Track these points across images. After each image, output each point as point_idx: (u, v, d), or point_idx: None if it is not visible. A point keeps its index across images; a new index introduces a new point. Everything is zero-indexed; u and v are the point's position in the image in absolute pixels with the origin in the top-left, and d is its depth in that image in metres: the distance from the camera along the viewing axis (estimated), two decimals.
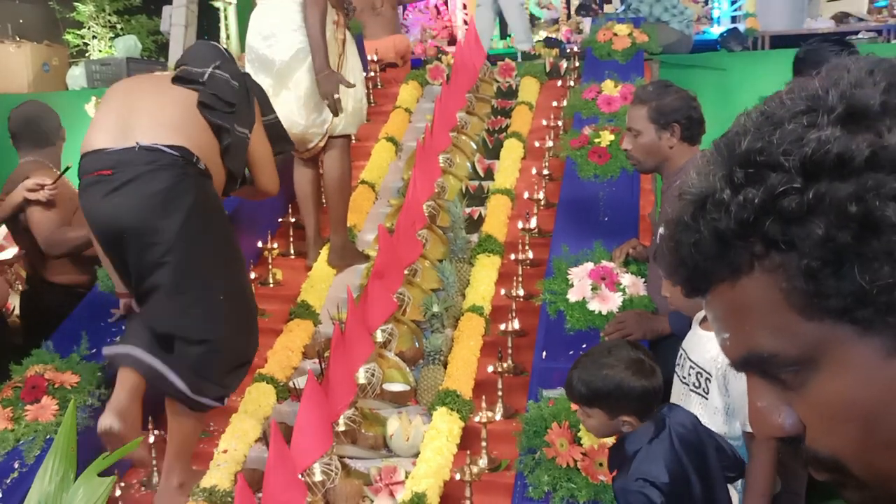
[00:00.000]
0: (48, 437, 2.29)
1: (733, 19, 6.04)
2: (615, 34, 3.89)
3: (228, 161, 2.33)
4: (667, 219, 0.56)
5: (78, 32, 6.34)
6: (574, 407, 1.82)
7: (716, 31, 5.81)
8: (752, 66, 4.32)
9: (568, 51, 4.42)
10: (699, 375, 1.87)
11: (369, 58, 4.47)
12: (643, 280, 2.50)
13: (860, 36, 4.79)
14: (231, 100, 2.29)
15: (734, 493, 1.77)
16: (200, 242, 2.16)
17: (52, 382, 2.40)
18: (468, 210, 3.42)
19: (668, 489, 1.51)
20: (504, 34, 7.05)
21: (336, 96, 2.99)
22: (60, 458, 1.87)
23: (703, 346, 1.88)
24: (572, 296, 2.49)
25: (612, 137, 3.17)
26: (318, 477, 2.20)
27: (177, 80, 2.28)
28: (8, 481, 2.21)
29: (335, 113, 3.04)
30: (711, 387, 1.83)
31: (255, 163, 2.49)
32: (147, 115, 2.21)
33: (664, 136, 2.36)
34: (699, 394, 1.86)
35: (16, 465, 2.24)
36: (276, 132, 2.57)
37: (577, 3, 5.63)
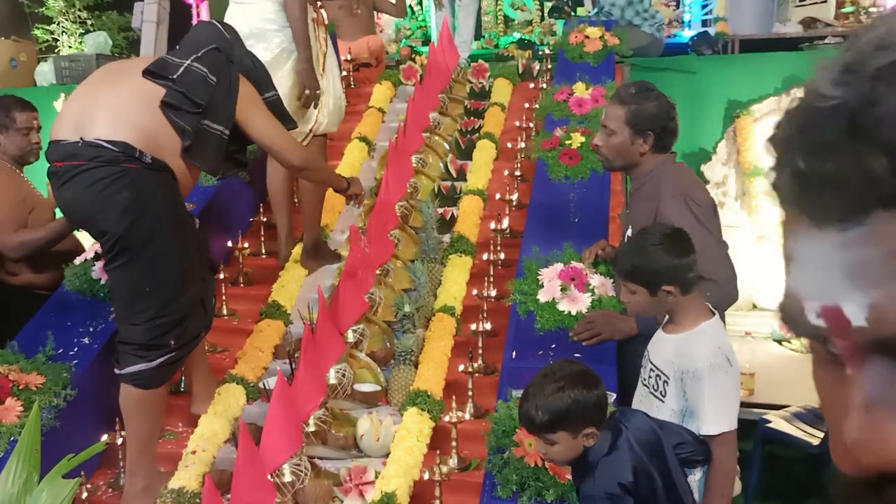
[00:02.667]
0: (12, 438, 2.25)
1: (704, 23, 6.11)
2: (587, 37, 3.92)
3: (195, 159, 2.32)
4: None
5: (47, 28, 6.24)
6: (532, 441, 1.81)
7: (687, 34, 5.87)
8: (722, 70, 4.38)
9: (540, 53, 4.44)
10: (658, 378, 1.89)
11: (343, 58, 4.46)
12: (612, 281, 2.53)
13: (827, 41, 4.87)
14: (200, 99, 2.27)
15: (694, 483, 1.80)
16: (147, 236, 2.19)
17: (17, 383, 2.36)
18: (440, 210, 3.43)
19: (635, 494, 1.54)
20: (478, 35, 7.07)
21: (318, 91, 3.02)
22: (24, 460, 1.85)
23: (664, 348, 1.91)
24: (542, 296, 2.51)
25: (582, 139, 3.20)
26: (287, 478, 2.19)
27: (147, 73, 2.26)
28: None
29: (309, 106, 3.07)
30: (668, 389, 1.85)
31: (264, 144, 2.49)
32: (103, 109, 2.22)
33: (637, 141, 2.37)
34: (656, 396, 1.88)
35: None
36: (276, 109, 2.54)
37: (549, 6, 5.65)
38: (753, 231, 4.25)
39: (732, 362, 1.82)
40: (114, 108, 2.22)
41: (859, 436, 0.37)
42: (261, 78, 2.52)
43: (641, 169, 2.40)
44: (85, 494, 2.20)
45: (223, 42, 2.46)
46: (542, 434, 1.62)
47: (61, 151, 2.22)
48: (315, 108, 3.11)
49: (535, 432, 1.64)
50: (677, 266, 1.83)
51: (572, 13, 5.29)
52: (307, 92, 3.04)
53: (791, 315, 0.40)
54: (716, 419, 1.78)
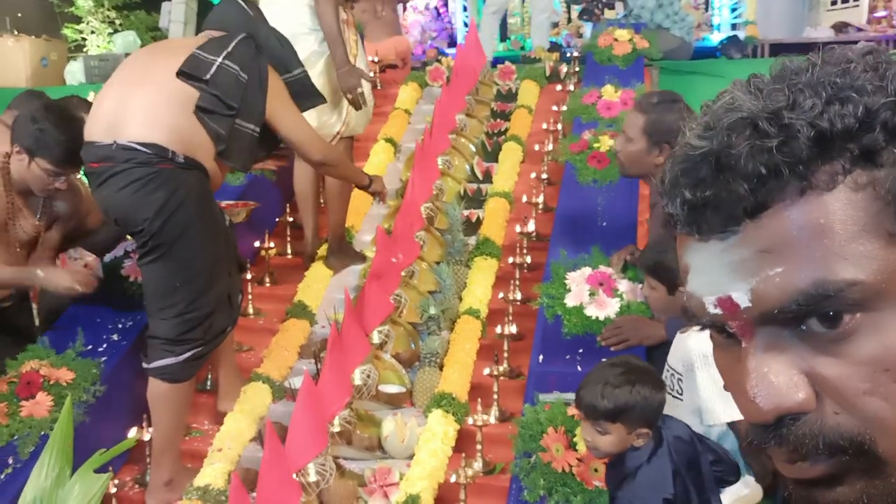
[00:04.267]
0: (43, 433, 2.28)
1: (733, 27, 6.06)
2: (616, 39, 3.90)
3: (229, 159, 2.35)
4: (693, 140, 0.50)
5: (76, 27, 6.32)
6: (581, 420, 1.77)
7: (716, 38, 5.83)
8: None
9: (568, 55, 4.42)
10: (672, 377, 1.88)
11: (369, 59, 4.47)
12: (641, 286, 2.51)
13: (859, 45, 4.82)
14: (233, 101, 2.29)
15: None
16: (179, 233, 2.23)
17: (48, 378, 2.39)
18: (466, 212, 3.42)
19: None
20: (504, 37, 7.06)
21: (359, 90, 3.02)
22: (56, 455, 1.87)
23: (677, 347, 1.91)
24: (570, 300, 2.49)
25: (611, 142, 3.18)
26: (312, 477, 2.19)
27: (182, 74, 2.27)
28: (2, 476, 2.20)
29: (358, 107, 3.06)
30: (684, 387, 1.84)
31: (287, 136, 2.49)
32: (135, 110, 2.24)
33: (653, 152, 2.39)
34: (673, 395, 1.88)
35: (10, 461, 2.23)
36: (301, 87, 2.54)
37: (579, 8, 5.62)
38: None
39: None
40: (145, 109, 2.24)
41: (757, 390, 0.48)
42: (288, 56, 2.52)
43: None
44: (113, 489, 2.22)
45: (250, 25, 2.46)
46: (599, 421, 1.58)
47: (96, 153, 2.26)
48: (364, 104, 3.10)
49: (592, 418, 1.59)
50: None
51: (602, 16, 5.26)
52: (349, 96, 3.03)
53: (694, 311, 0.52)
54: (724, 407, 1.77)
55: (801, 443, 0.48)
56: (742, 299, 0.48)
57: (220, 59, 2.31)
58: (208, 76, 2.28)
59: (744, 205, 0.48)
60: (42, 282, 2.50)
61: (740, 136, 0.48)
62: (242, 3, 2.53)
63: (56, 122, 2.37)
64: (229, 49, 2.34)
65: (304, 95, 2.56)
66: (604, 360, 1.68)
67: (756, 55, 5.12)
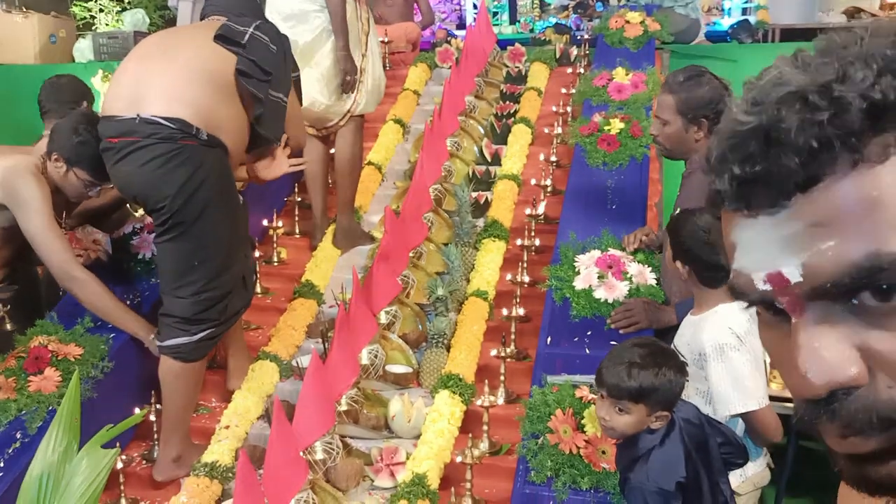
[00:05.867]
0: (50, 408, 2.28)
1: (744, 11, 5.99)
2: (627, 21, 3.86)
3: (263, 128, 2.35)
4: (740, 114, 0.50)
5: (85, 5, 6.28)
6: (599, 398, 1.75)
7: (726, 22, 5.76)
8: (763, 58, 4.28)
9: (578, 37, 4.38)
10: None
11: (379, 39, 4.44)
12: (650, 269, 2.50)
13: None
14: (268, 67, 2.29)
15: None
16: (199, 212, 2.21)
17: (56, 354, 2.39)
18: (474, 194, 3.41)
19: (684, 489, 1.51)
20: (514, 19, 7.00)
21: (356, 76, 3.06)
22: (64, 430, 1.87)
23: (684, 331, 1.91)
24: (578, 283, 2.48)
25: (621, 125, 3.16)
26: (319, 455, 2.20)
27: (219, 38, 2.26)
28: (10, 451, 2.21)
29: (348, 90, 3.09)
30: (689, 371, 1.84)
31: (288, 119, 2.49)
32: (159, 85, 2.23)
33: (691, 129, 2.38)
34: None
35: (17, 436, 2.24)
36: (297, 88, 2.57)
37: (574, 3, 5.56)
38: None
39: (746, 341, 1.81)
40: (168, 85, 2.21)
41: (809, 364, 0.48)
42: (290, 55, 2.52)
43: (698, 154, 2.39)
44: (120, 465, 2.23)
45: (257, 12, 2.47)
46: (621, 400, 1.56)
47: (117, 128, 2.22)
48: (352, 91, 3.12)
49: (614, 396, 1.57)
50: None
51: (595, 10, 5.21)
52: (347, 78, 3.06)
53: (742, 288, 0.52)
54: (739, 397, 1.78)
55: (854, 418, 0.48)
56: (793, 274, 0.48)
57: (251, 29, 2.31)
58: (244, 41, 2.27)
59: (795, 179, 0.47)
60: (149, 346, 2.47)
61: (790, 110, 0.47)
62: None
63: (96, 135, 2.34)
64: (258, 22, 2.35)
65: (297, 93, 2.58)
66: (629, 339, 1.67)
67: (766, 40, 5.07)
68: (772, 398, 1.92)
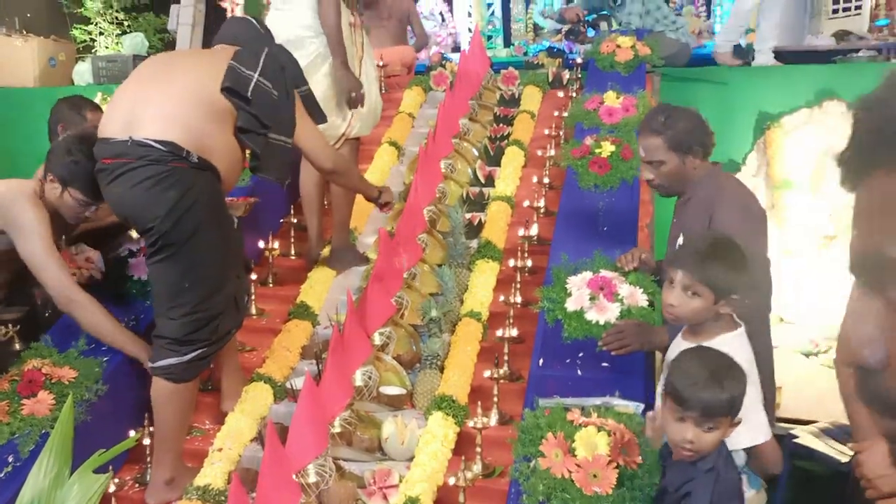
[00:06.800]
0: (43, 431, 2.28)
1: None
2: (618, 46, 3.91)
3: (264, 172, 2.42)
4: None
5: (85, 28, 6.34)
6: (585, 424, 1.78)
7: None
8: (753, 81, 4.34)
9: (570, 61, 4.44)
10: None
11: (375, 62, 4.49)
12: (642, 290, 2.51)
13: (860, 54, 4.80)
14: (268, 121, 2.36)
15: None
16: (190, 233, 2.24)
17: (50, 377, 2.40)
18: (468, 216, 3.43)
19: None
20: (508, 42, 7.08)
21: (361, 91, 3.10)
22: (56, 455, 1.88)
23: (671, 351, 1.92)
24: (570, 305, 2.50)
25: (612, 148, 3.19)
26: (312, 478, 2.20)
27: (226, 90, 2.30)
28: (1, 475, 2.21)
29: (355, 105, 3.13)
30: None
31: (301, 145, 2.54)
32: (153, 108, 2.27)
33: (688, 160, 2.43)
34: None
35: (10, 459, 2.24)
36: (309, 103, 2.60)
37: (566, 30, 5.64)
38: (781, 244, 4.20)
39: (752, 376, 1.81)
40: (162, 108, 2.26)
41: (870, 343, 0.50)
42: (296, 73, 2.56)
43: (694, 182, 2.44)
44: (112, 489, 2.23)
45: (262, 42, 2.51)
46: (716, 417, 1.56)
47: (110, 149, 2.26)
48: (361, 106, 3.15)
49: (708, 414, 1.56)
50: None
51: (587, 36, 5.28)
52: (353, 94, 3.09)
53: (869, 261, 0.53)
54: (746, 431, 1.77)
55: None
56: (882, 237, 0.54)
57: (255, 76, 2.35)
58: (248, 94, 2.32)
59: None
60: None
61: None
62: (253, 21, 2.58)
63: (89, 155, 2.36)
64: (261, 66, 2.38)
65: (311, 110, 2.60)
66: (690, 351, 1.70)
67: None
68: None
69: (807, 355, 3.94)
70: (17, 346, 2.58)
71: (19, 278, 2.59)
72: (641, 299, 2.50)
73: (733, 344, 1.85)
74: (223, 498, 2.28)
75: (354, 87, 3.09)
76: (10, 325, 2.59)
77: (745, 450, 1.86)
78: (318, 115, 2.64)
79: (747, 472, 1.95)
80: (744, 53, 4.98)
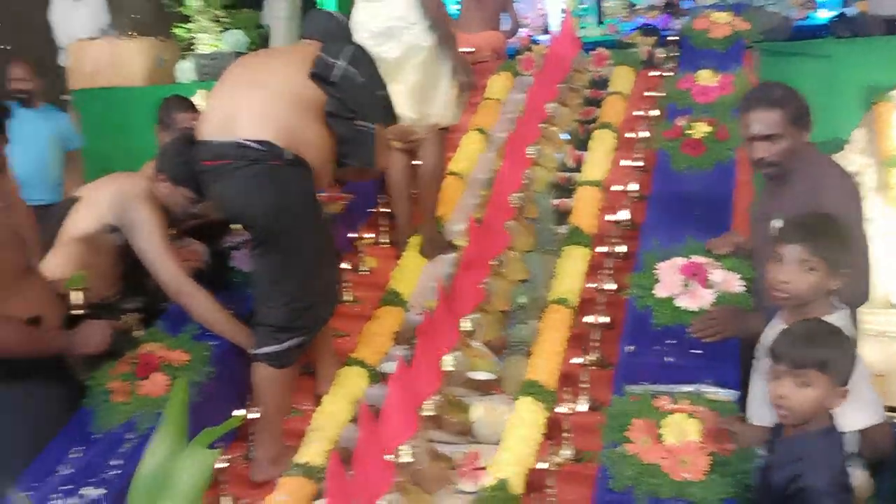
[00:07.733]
0: (158, 410, 2.45)
1: (843, 2, 5.72)
2: (713, 22, 3.78)
3: (349, 159, 2.51)
4: None
5: (185, 27, 6.63)
6: (673, 411, 1.79)
7: (822, 15, 5.53)
8: (860, 53, 4.11)
9: (664, 40, 4.31)
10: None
11: (465, 50, 4.50)
12: (739, 277, 2.45)
13: None
14: (355, 106, 2.44)
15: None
16: (287, 227, 2.36)
17: (164, 360, 2.56)
18: (556, 201, 3.42)
19: None
20: (600, 20, 6.93)
21: (472, 80, 3.25)
22: (171, 431, 2.02)
23: (765, 335, 1.88)
24: (659, 291, 2.46)
25: (707, 129, 3.10)
26: (406, 459, 2.27)
27: (314, 76, 2.41)
28: (122, 450, 2.38)
29: (467, 90, 3.26)
30: None
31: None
32: (248, 109, 2.38)
33: (804, 135, 2.34)
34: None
35: (129, 436, 2.41)
36: (387, 103, 2.67)
37: (664, 2, 5.47)
38: (892, 225, 3.98)
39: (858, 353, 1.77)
40: (256, 108, 2.37)
41: None
42: (374, 74, 2.61)
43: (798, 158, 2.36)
44: (224, 464, 2.37)
45: (347, 38, 2.59)
46: (808, 368, 1.58)
47: (210, 151, 2.40)
48: (467, 93, 3.25)
49: (798, 365, 1.59)
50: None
51: (682, 6, 5.10)
52: (465, 80, 3.20)
53: None
54: (861, 414, 1.73)
55: None
56: None
57: (344, 63, 2.44)
58: (336, 80, 2.41)
59: None
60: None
61: None
62: (336, 16, 2.66)
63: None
64: (348, 53, 2.48)
65: (385, 114, 2.66)
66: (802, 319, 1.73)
67: (867, 33, 4.83)
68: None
69: None
70: (138, 333, 2.76)
71: (133, 270, 2.77)
72: (738, 285, 2.44)
73: (838, 324, 1.80)
74: (322, 475, 2.38)
75: (469, 72, 3.16)
76: (133, 314, 2.78)
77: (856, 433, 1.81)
78: (391, 117, 2.71)
79: (856, 458, 1.89)
80: (853, 24, 4.70)
